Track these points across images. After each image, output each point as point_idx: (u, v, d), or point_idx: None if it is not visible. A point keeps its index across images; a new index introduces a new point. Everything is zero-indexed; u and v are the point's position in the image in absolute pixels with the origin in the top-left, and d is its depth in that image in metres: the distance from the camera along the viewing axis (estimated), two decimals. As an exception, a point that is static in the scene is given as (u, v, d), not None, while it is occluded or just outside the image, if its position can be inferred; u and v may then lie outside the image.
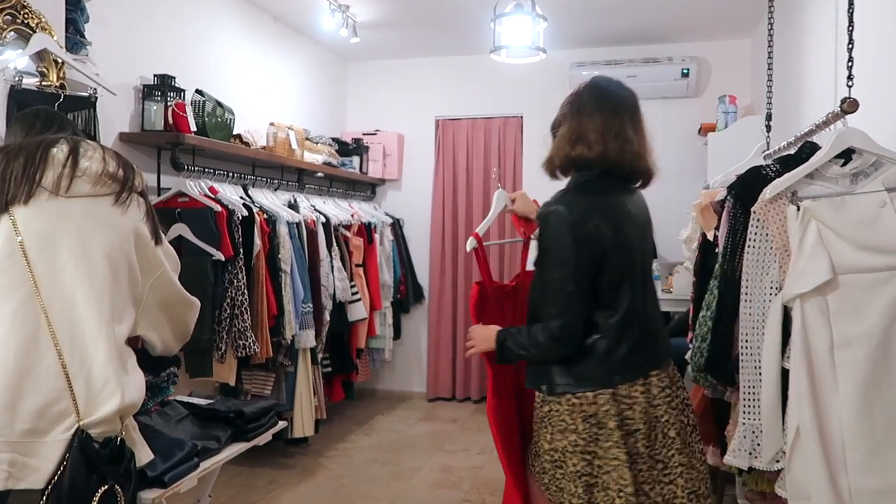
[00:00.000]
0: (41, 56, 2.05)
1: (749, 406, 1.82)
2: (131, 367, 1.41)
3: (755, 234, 1.86)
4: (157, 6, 3.30)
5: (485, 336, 1.78)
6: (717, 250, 2.31)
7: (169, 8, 3.39)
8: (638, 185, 1.80)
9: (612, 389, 1.63)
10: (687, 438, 1.71)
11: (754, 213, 1.86)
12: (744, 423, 1.83)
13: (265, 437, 1.94)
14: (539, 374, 1.72)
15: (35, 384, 1.27)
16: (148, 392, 1.93)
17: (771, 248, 1.84)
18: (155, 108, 3.14)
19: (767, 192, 1.84)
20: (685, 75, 4.78)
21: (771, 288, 1.84)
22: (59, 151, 1.40)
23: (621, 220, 1.68)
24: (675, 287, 3.69)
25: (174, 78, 3.16)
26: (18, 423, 1.25)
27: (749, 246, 1.87)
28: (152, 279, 1.50)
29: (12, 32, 1.96)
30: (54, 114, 1.58)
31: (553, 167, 1.74)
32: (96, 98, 2.14)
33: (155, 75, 3.15)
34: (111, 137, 3.01)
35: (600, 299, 1.65)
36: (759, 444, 1.81)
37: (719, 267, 2.05)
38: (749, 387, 1.83)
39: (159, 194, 3.20)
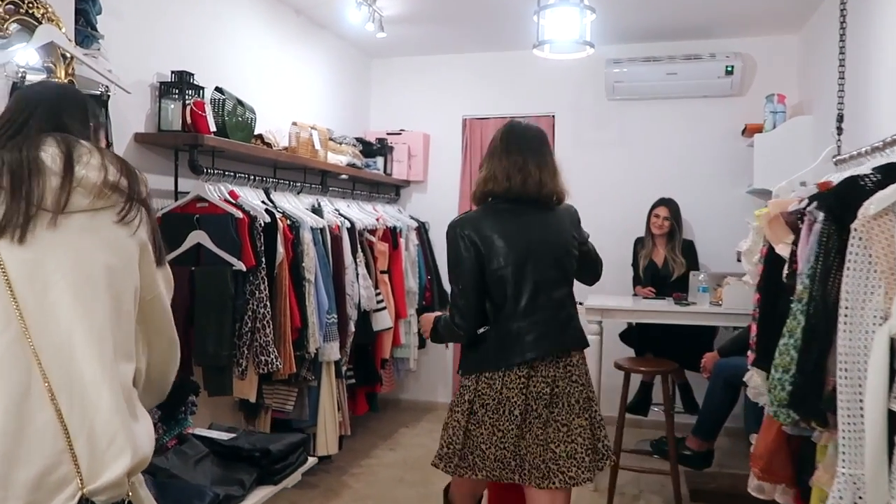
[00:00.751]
0: (48, 50, 1.85)
1: (850, 453, 1.59)
2: (140, 411, 1.18)
3: (856, 254, 1.62)
4: (175, -2, 3.10)
5: (427, 320, 2.28)
6: (795, 268, 2.08)
7: (187, 0, 3.18)
8: (554, 203, 2.17)
9: (476, 374, 2.09)
10: (530, 421, 2.04)
11: (855, 230, 1.62)
12: (843, 473, 1.59)
13: (294, 478, 1.74)
14: (461, 359, 2.20)
15: (29, 449, 1.03)
16: (163, 425, 1.73)
17: (875, 270, 1.61)
18: (172, 106, 2.94)
19: (871, 206, 1.60)
20: (729, 73, 4.52)
21: (874, 317, 1.60)
22: (50, 157, 1.13)
23: (509, 234, 2.06)
24: (724, 300, 3.43)
25: (192, 75, 2.96)
26: (12, 500, 1.02)
27: (848, 268, 1.63)
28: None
29: (15, 24, 1.76)
30: (30, 97, 1.26)
31: (474, 199, 2.19)
32: (108, 96, 1.94)
33: (172, 72, 2.95)
34: (125, 138, 2.82)
35: (490, 297, 2.09)
36: (860, 498, 1.57)
37: (805, 290, 1.81)
38: (850, 431, 1.59)
39: (177, 199, 3.01)
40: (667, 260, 4.24)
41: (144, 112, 2.93)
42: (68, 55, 1.89)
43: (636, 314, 3.76)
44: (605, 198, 4.84)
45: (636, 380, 4.04)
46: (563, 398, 2.05)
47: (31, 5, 1.78)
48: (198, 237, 2.84)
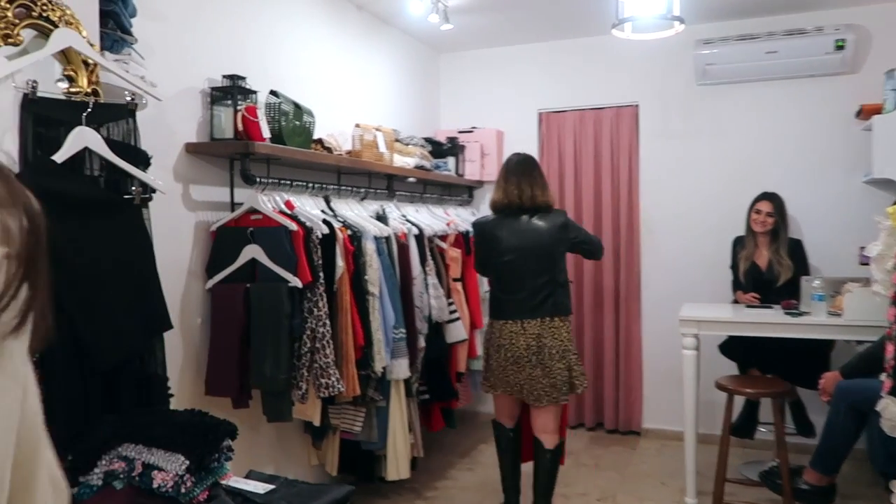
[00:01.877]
0: (68, 57, 1.69)
1: None
2: None
3: None
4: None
5: None
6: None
7: (240, 1, 3.01)
8: (543, 210, 3.00)
9: (493, 322, 3.05)
10: (522, 363, 2.93)
11: None
12: None
13: (339, 541, 1.49)
14: None
15: None
16: (193, 476, 1.52)
17: None
18: (224, 113, 2.77)
19: None
20: (840, 48, 3.98)
21: None
22: None
23: (507, 235, 2.97)
24: (846, 310, 2.96)
25: (244, 78, 2.78)
26: None
27: None
28: None
29: (28, 29, 1.59)
30: None
31: (491, 210, 3.07)
32: (135, 105, 1.76)
33: (224, 76, 2.78)
34: (176, 149, 2.67)
35: (494, 273, 3.07)
36: None
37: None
38: None
39: (233, 211, 2.84)
40: (771, 262, 3.77)
41: (196, 120, 2.77)
42: (91, 62, 1.72)
43: (739, 327, 3.30)
44: (695, 194, 4.40)
45: (739, 398, 3.61)
46: (546, 349, 2.90)
47: (45, 7, 1.61)
48: (252, 252, 2.66)
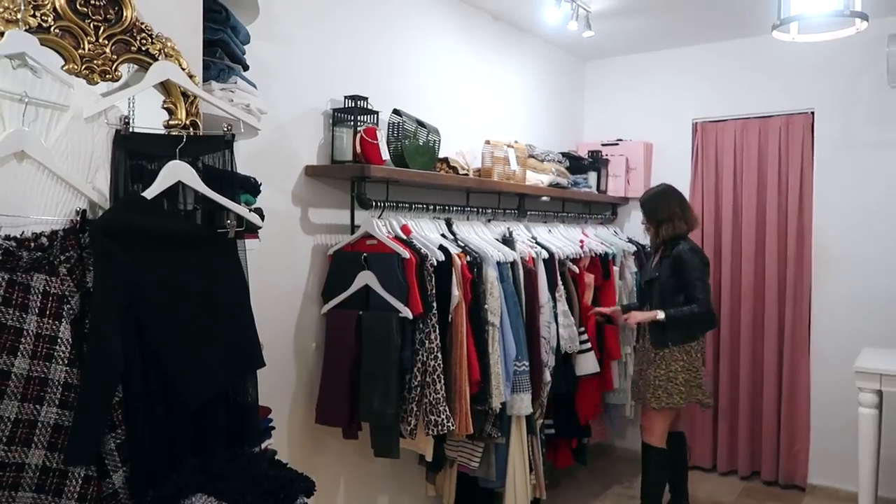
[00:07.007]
0: (168, 90, 1.67)
1: None
2: None
3: None
4: (350, 16, 2.88)
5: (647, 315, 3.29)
6: None
7: (365, 17, 2.95)
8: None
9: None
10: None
11: None
12: None
13: None
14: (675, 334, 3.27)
15: None
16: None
17: None
18: (345, 135, 2.71)
19: None
20: None
21: None
22: None
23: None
24: None
25: (366, 98, 2.71)
26: None
27: None
28: None
29: (128, 64, 1.58)
30: None
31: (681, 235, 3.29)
32: (232, 136, 1.71)
33: (346, 97, 2.72)
34: (296, 172, 2.64)
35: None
36: None
37: None
38: None
39: (353, 234, 2.78)
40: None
41: (317, 143, 2.74)
42: (190, 94, 1.69)
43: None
44: (884, 214, 3.75)
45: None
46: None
47: (144, 42, 1.59)
48: (365, 278, 2.57)
